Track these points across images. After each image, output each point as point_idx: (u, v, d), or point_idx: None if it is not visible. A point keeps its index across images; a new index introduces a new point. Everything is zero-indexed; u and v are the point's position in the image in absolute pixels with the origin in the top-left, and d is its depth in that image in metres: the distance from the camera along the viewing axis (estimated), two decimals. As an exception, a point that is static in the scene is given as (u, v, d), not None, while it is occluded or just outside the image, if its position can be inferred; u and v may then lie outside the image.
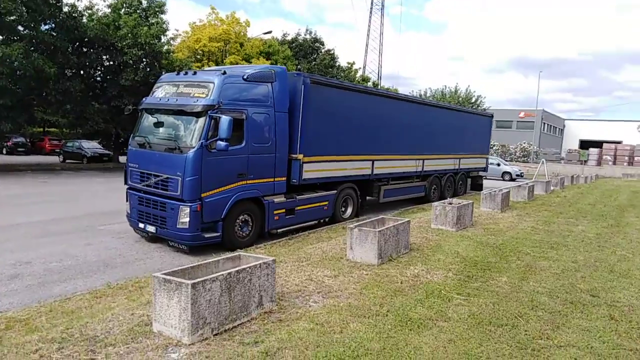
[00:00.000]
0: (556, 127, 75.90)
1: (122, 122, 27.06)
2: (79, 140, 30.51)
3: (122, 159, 30.05)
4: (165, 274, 3.85)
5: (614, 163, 41.78)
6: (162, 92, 9.66)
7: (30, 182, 18.80)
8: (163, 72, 25.18)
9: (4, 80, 19.88)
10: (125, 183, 9.89)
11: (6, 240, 9.43)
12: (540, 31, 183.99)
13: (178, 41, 32.48)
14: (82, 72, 26.35)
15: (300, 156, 10.59)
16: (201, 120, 8.66)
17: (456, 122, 18.13)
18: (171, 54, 27.28)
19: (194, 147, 8.51)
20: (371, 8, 56.11)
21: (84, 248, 9.10)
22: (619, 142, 48.22)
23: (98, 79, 27.70)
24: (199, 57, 33.33)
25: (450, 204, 8.58)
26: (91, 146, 29.98)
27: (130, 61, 24.64)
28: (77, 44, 25.21)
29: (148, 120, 9.80)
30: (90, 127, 25.78)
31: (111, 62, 26.65)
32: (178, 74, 9.84)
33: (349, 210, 12.83)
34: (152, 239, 9.64)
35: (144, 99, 10.01)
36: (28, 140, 36.77)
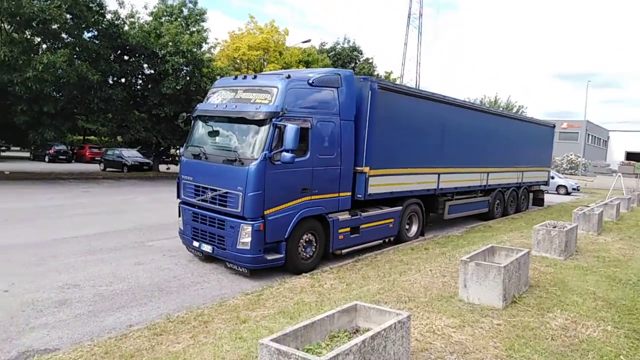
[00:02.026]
0: (600, 139, 72.67)
1: (162, 130, 26.74)
2: (119, 149, 30.37)
3: (162, 167, 29.84)
4: (275, 340, 2.82)
5: (673, 176, 38.98)
6: (219, 97, 8.81)
7: (72, 192, 18.40)
8: (204, 81, 24.91)
9: (47, 87, 19.67)
10: (178, 197, 9.07)
11: (52, 257, 8.72)
12: (573, 44, 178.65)
13: (217, 50, 32.13)
14: (123, 80, 26.21)
15: (367, 169, 9.55)
16: (264, 128, 7.74)
17: (519, 133, 16.76)
18: (212, 62, 26.81)
19: (256, 159, 7.59)
20: (409, 17, 54.92)
21: (134, 268, 8.27)
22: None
23: (139, 87, 27.49)
24: (237, 65, 32.92)
25: (555, 227, 7.36)
26: (131, 155, 29.78)
27: (171, 69, 24.25)
28: (119, 51, 25.07)
29: (203, 128, 8.97)
30: (131, 135, 25.44)
31: (152, 71, 26.42)
32: (236, 78, 9.00)
33: (414, 228, 11.68)
34: (207, 258, 8.76)
35: (198, 106, 9.20)
36: (69, 148, 37.10)
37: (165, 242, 10.26)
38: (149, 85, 26.70)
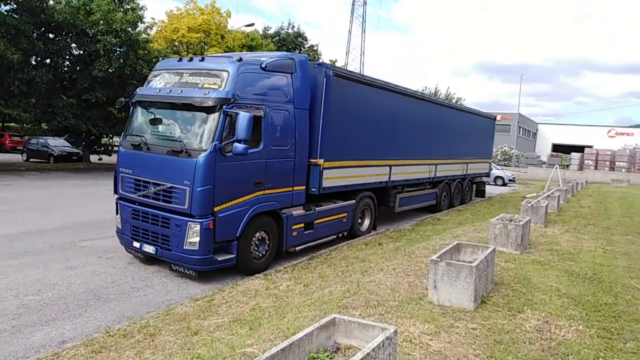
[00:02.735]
0: (530, 131, 76.79)
1: (93, 117, 24.78)
2: (45, 137, 27.84)
3: (93, 158, 27.77)
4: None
5: (596, 168, 41.96)
6: (161, 81, 7.99)
7: (-11, 184, 16.53)
8: (140, 64, 23.28)
9: (-42, 67, 17.49)
10: (116, 192, 8.18)
11: (-36, 263, 7.58)
12: (502, 37, 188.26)
13: (154, 31, 30.28)
14: (49, 60, 23.92)
15: (321, 161, 9.12)
16: (213, 116, 7.08)
17: (464, 124, 17.01)
18: (148, 43, 25.12)
19: (205, 150, 6.92)
20: (352, 6, 54.85)
21: (66, 273, 7.35)
22: (590, 147, 48.81)
23: (67, 69, 25.24)
24: (176, 48, 31.20)
25: (511, 220, 7.32)
26: (58, 144, 27.39)
27: (103, 50, 22.37)
28: (43, 29, 22.72)
29: (144, 115, 8.12)
30: (58, 122, 23.22)
31: (82, 51, 24.32)
32: (180, 60, 8.19)
33: (366, 222, 11.44)
34: (149, 259, 7.98)
35: (137, 90, 8.31)
36: (-15, 135, 33.63)
37: (100, 242, 9.31)
38: (78, 67, 24.55)
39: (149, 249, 7.55)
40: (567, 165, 43.47)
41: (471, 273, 4.53)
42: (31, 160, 26.72)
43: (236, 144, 6.96)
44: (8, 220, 10.70)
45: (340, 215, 10.15)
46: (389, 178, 11.93)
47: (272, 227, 8.26)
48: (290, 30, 40.37)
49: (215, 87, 7.18)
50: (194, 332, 5.23)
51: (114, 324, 5.72)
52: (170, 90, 7.56)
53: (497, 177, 30.28)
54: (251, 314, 5.71)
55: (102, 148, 28.69)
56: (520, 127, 66.56)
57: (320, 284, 6.80)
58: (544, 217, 9.78)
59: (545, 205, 10.08)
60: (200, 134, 7.17)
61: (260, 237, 8.01)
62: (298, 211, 8.85)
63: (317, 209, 9.37)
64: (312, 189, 9.12)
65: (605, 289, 5.67)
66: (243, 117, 6.87)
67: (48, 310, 6.00)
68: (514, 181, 31.51)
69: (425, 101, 14.15)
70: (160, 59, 25.02)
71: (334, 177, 9.63)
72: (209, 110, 7.11)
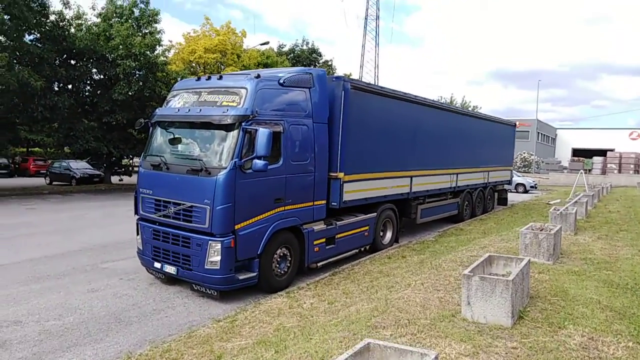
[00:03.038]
0: (549, 137, 75.57)
1: (113, 139, 25.18)
2: (67, 161, 28.34)
3: (114, 179, 28.12)
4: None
5: (619, 171, 40.84)
6: (180, 101, 7.99)
7: (14, 209, 16.78)
8: (159, 86, 23.62)
9: (-16, 96, 17.97)
10: (136, 213, 8.14)
11: (-12, 288, 7.59)
12: (515, 44, 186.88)
13: (172, 53, 30.82)
14: (70, 86, 24.42)
15: (341, 175, 8.98)
16: (233, 134, 7.01)
17: (484, 132, 16.70)
18: (167, 65, 25.52)
19: (225, 168, 6.84)
20: (365, 19, 55.12)
21: (87, 296, 7.30)
22: (611, 150, 47.64)
23: (88, 93, 25.75)
24: (193, 69, 31.64)
25: (541, 229, 7.02)
26: (80, 166, 27.84)
27: (123, 74, 22.82)
28: (65, 55, 23.34)
29: (163, 136, 8.11)
30: (80, 145, 23.63)
31: (102, 76, 24.81)
32: (199, 79, 8.19)
33: (388, 235, 11.20)
34: (170, 280, 7.89)
35: (157, 111, 8.33)
36: (11, 161, 34.39)
37: (121, 263, 9.29)
38: (99, 92, 25.04)
39: (170, 269, 7.46)
40: (590, 170, 42.37)
41: (507, 287, 4.28)
42: (54, 183, 27.19)
43: (256, 161, 6.87)
44: (31, 243, 10.79)
45: (362, 229, 9.94)
46: (410, 189, 11.70)
47: (293, 243, 8.11)
48: (304, 47, 40.71)
49: (234, 104, 7.13)
50: (218, 355, 5.07)
51: (135, 348, 5.60)
52: (189, 110, 7.54)
53: (518, 184, 29.67)
54: (275, 334, 5.52)
55: (123, 169, 29.01)
56: (538, 132, 65.53)
57: (346, 301, 6.59)
58: (573, 224, 9.41)
59: (575, 212, 9.70)
60: (220, 151, 7.11)
61: (281, 254, 7.87)
62: (319, 226, 8.69)
63: (338, 223, 9.19)
64: (333, 203, 8.96)
65: (650, 301, 5.34)
66: (262, 134, 6.79)
67: (69, 335, 5.92)
68: (535, 188, 30.82)
69: (444, 110, 13.95)
70: (179, 79, 25.62)
71: (355, 190, 9.47)
72: (228, 127, 7.05)
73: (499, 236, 9.89)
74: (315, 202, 8.55)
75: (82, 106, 25.06)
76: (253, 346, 5.21)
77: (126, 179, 28.53)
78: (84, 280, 8.13)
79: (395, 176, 10.97)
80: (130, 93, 22.99)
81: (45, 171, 29.70)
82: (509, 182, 20.30)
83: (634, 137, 61.77)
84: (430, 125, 12.61)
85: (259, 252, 7.31)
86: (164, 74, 24.68)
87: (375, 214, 10.36)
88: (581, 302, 5.08)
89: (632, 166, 41.13)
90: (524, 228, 7.19)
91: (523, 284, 4.78)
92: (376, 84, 52.26)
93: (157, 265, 7.66)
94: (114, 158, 27.37)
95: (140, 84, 23.43)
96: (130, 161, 31.61)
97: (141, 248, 8.03)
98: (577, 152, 61.68)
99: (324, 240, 8.79)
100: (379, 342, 2.84)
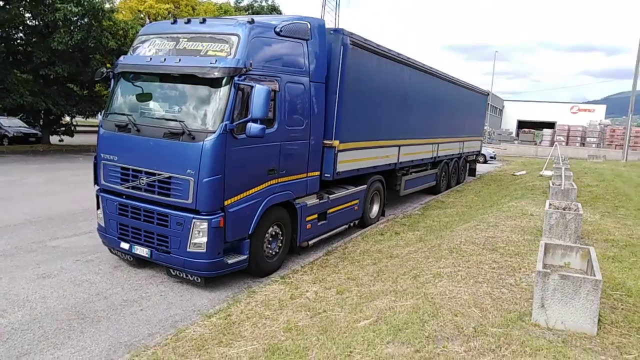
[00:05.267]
0: (497, 108, 77.57)
1: (52, 95, 22.43)
2: (-3, 117, 25.25)
3: (54, 139, 25.44)
4: None
5: (567, 144, 42.37)
6: (152, 48, 6.52)
7: None
8: (106, 36, 21.10)
9: None
10: (96, 183, 6.74)
11: None
12: (463, 18, 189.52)
13: (118, 1, 27.82)
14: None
15: (336, 143, 7.95)
16: (222, 91, 5.76)
17: (462, 100, 16.05)
18: (114, 13, 22.84)
19: (213, 132, 5.61)
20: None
21: (38, 284, 5.96)
22: (553, 123, 49.67)
23: (21, 41, 22.68)
24: (142, 21, 28.80)
25: (565, 209, 6.40)
26: (13, 124, 24.84)
27: (61, 21, 20.05)
28: (-8, -5, 20.23)
29: (130, 90, 6.66)
30: (12, 100, 20.82)
31: (38, 22, 21.81)
32: (175, 22, 6.70)
33: (375, 209, 10.38)
34: (140, 262, 6.65)
35: (121, 59, 6.79)
36: None
37: (74, 240, 7.88)
38: (34, 39, 22.09)
39: (142, 251, 6.22)
40: (541, 142, 43.73)
41: (596, 288, 3.52)
42: (-19, 142, 24.15)
43: (251, 124, 5.69)
44: (-40, 215, 9.05)
45: (353, 203, 9.05)
46: (398, 159, 10.88)
47: (285, 220, 7.08)
48: (263, 3, 38.29)
49: (223, 54, 5.83)
50: (221, 367, 4.05)
51: (109, 355, 4.46)
52: (165, 59, 6.12)
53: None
54: (287, 336, 4.55)
55: (64, 128, 26.21)
56: (489, 104, 67.02)
57: (359, 290, 5.69)
58: (574, 200, 8.97)
59: (575, 189, 9.27)
60: (205, 112, 5.85)
61: (273, 233, 6.82)
62: (312, 200, 7.70)
63: (330, 197, 8.22)
64: (326, 175, 7.96)
65: None
66: (259, 91, 5.60)
67: (18, 339, 4.65)
68: (494, 158, 31.14)
69: (432, 75, 12.96)
70: (129, 30, 23.03)
71: (348, 160, 8.50)
72: (215, 83, 5.78)
73: (498, 211, 9.30)
74: (309, 174, 7.51)
75: (14, 55, 22.06)
76: (263, 353, 4.21)
77: (67, 139, 25.89)
78: (31, 262, 6.72)
79: (386, 145, 10.08)
80: (71, 43, 20.34)
81: (-30, 128, 26.32)
82: (479, 153, 20.05)
83: (574, 111, 64.56)
84: (418, 91, 11.74)
85: (250, 232, 6.23)
86: (111, 22, 22.07)
87: (365, 186, 9.47)
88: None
89: (578, 139, 42.80)
90: (547, 207, 6.54)
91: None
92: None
93: (125, 245, 6.38)
94: (52, 116, 24.60)
95: (84, 32, 20.77)
96: (73, 119, 28.77)
97: (103, 225, 6.67)
98: (522, 124, 63.89)
99: (316, 216, 7.82)
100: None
